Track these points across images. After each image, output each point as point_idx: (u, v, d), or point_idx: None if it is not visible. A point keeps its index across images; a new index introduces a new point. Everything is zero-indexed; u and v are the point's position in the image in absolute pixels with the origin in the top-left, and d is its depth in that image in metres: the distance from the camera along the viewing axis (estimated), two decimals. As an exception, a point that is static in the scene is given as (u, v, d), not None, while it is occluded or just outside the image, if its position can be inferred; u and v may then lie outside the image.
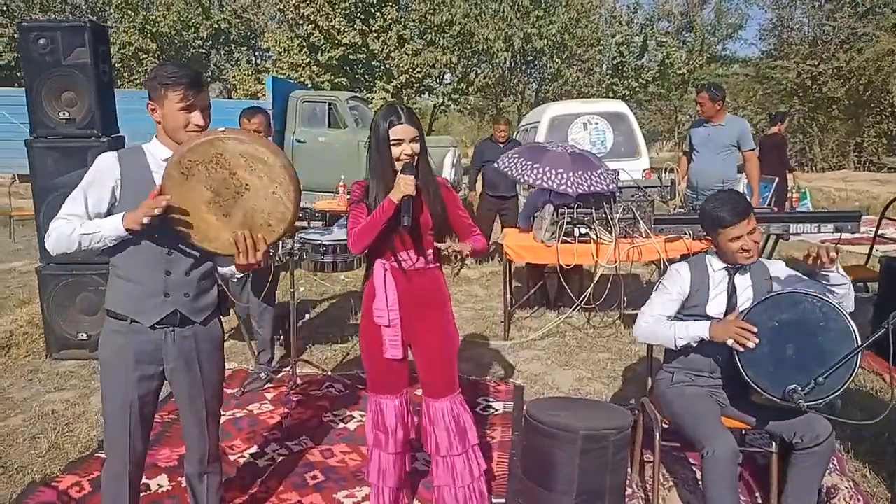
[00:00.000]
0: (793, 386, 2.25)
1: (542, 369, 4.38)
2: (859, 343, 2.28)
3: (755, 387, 2.36)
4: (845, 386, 2.30)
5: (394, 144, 2.30)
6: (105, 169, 2.02)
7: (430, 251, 2.44)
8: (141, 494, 2.84)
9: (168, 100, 1.99)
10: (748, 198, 5.62)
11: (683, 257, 4.21)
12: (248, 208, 1.96)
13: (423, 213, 2.38)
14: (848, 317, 2.36)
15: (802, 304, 2.41)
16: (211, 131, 1.94)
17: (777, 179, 6.11)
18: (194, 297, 2.12)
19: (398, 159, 2.31)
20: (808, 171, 18.18)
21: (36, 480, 2.99)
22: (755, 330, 2.37)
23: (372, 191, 2.37)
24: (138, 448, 2.16)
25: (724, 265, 2.62)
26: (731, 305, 2.59)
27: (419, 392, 2.57)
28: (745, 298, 2.58)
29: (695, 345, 2.59)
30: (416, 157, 2.33)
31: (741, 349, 2.37)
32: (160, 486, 2.95)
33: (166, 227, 1.96)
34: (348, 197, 7.09)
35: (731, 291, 2.60)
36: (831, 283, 2.44)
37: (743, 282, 2.61)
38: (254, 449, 3.31)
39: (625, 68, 19.01)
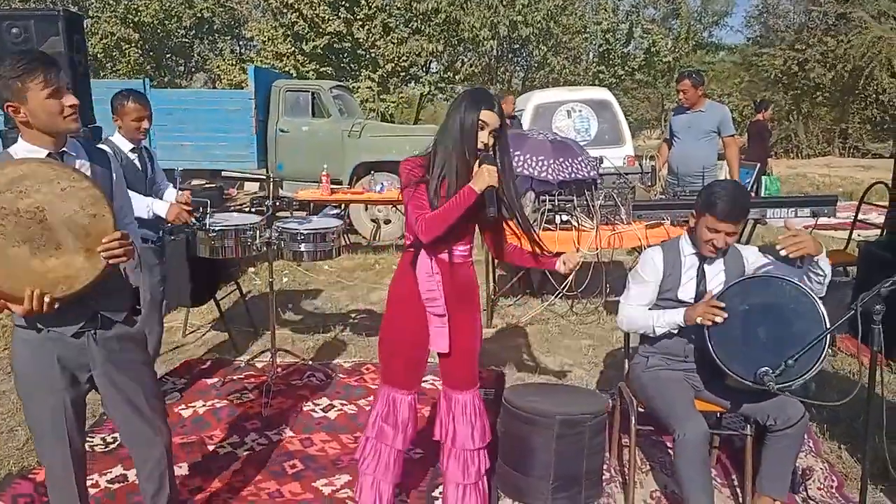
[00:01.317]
0: (764, 369, 2.26)
1: (525, 356, 4.39)
2: (828, 326, 2.30)
3: (727, 370, 2.38)
4: (816, 368, 2.31)
5: (480, 127, 2.18)
6: None
7: (471, 244, 2.37)
8: (119, 485, 2.87)
9: (31, 91, 1.83)
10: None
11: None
12: (63, 221, 1.79)
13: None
14: (818, 300, 2.37)
15: (773, 287, 2.43)
16: None
17: (758, 166, 6.13)
18: (109, 295, 2.01)
19: (479, 144, 2.19)
20: (793, 158, 18.28)
21: (13, 472, 2.98)
22: (723, 305, 2.39)
23: (444, 169, 2.22)
24: (79, 448, 2.09)
25: (695, 251, 2.63)
26: (699, 292, 2.60)
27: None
28: (717, 283, 2.59)
29: (674, 331, 2.61)
30: (490, 150, 2.22)
31: (709, 324, 2.39)
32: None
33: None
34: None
35: (700, 277, 2.61)
36: (816, 269, 2.41)
37: (714, 268, 2.62)
38: (233, 438, 3.30)
39: (611, 56, 18.99)
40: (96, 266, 1.85)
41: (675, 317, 2.55)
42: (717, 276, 2.61)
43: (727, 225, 2.49)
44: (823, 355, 2.32)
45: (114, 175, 2.08)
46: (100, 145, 2.79)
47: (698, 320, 2.43)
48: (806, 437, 3.18)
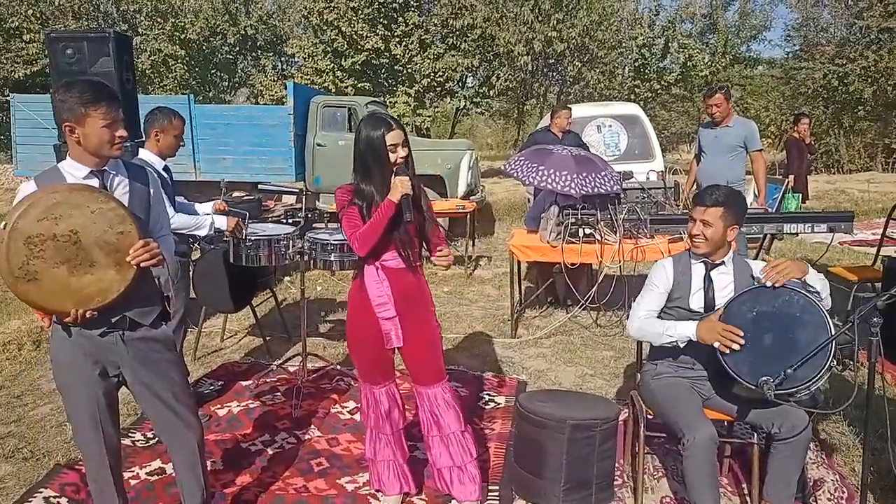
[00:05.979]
0: (765, 377, 2.34)
1: (546, 366, 4.49)
2: (833, 335, 2.36)
3: (734, 375, 2.43)
4: (820, 378, 2.37)
5: (390, 150, 2.47)
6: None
7: (415, 251, 2.60)
8: (157, 477, 3.06)
9: (91, 118, 2.02)
10: (752, 199, 5.63)
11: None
12: (96, 241, 1.99)
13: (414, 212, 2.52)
14: (824, 310, 2.44)
15: (781, 297, 2.48)
16: None
17: (787, 181, 6.12)
18: (140, 300, 2.18)
19: (395, 164, 2.48)
20: (834, 173, 17.94)
21: (60, 464, 3.19)
22: (741, 333, 2.42)
23: (368, 195, 2.51)
24: (113, 439, 2.27)
25: (701, 259, 2.73)
26: (708, 299, 2.68)
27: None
28: (726, 293, 2.67)
29: (681, 345, 2.66)
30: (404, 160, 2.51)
31: (727, 351, 2.42)
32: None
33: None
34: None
35: (707, 285, 2.69)
36: (808, 288, 2.54)
37: (723, 278, 2.71)
38: (265, 437, 3.48)
39: (647, 71, 18.95)
40: (126, 277, 2.06)
41: (687, 331, 2.58)
42: (726, 287, 2.69)
43: (698, 210, 2.66)
44: (827, 365, 2.38)
45: (151, 190, 2.26)
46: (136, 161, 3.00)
47: (715, 344, 2.45)
48: (820, 449, 3.24)
